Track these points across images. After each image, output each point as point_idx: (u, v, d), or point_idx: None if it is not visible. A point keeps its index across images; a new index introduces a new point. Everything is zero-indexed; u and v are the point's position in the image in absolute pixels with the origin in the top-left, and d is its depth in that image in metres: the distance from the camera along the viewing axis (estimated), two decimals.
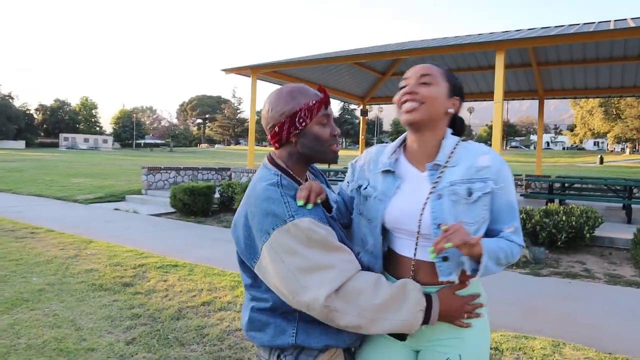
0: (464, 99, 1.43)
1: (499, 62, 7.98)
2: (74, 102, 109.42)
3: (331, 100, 1.40)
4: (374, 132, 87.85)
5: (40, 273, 4.70)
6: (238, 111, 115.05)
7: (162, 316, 3.62)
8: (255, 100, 11.31)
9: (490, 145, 8.59)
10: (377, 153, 1.47)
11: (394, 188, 1.36)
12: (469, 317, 1.31)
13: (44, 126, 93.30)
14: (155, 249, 5.99)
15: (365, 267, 1.35)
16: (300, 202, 1.23)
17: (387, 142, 1.51)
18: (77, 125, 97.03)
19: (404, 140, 1.44)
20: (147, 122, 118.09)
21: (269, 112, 1.32)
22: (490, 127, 48.33)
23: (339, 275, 1.18)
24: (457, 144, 1.35)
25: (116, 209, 9.78)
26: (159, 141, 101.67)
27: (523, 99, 14.05)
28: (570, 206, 6.53)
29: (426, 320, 1.23)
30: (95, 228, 7.41)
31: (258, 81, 11.37)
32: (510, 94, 13.45)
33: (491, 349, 3.12)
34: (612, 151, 79.15)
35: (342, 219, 1.45)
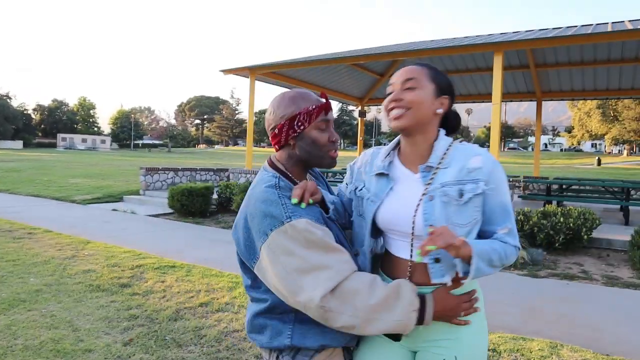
0: (454, 95, 1.41)
1: (497, 63, 8.00)
2: (72, 102, 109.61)
3: (330, 101, 1.41)
4: (372, 133, 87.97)
5: (37, 274, 4.68)
6: (236, 112, 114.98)
7: (160, 317, 3.61)
8: (254, 101, 11.31)
9: (488, 146, 8.61)
10: (372, 155, 1.48)
11: (387, 190, 1.37)
12: (467, 315, 1.31)
13: (42, 126, 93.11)
14: (153, 249, 5.98)
15: (364, 268, 1.38)
16: (295, 200, 1.26)
17: (385, 143, 1.52)
18: (75, 126, 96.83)
19: (398, 143, 1.45)
20: (145, 123, 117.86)
21: (271, 114, 1.37)
22: (488, 129, 48.42)
23: (334, 276, 1.19)
24: (450, 145, 1.35)
25: (114, 210, 9.76)
26: (157, 142, 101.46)
27: (521, 101, 14.08)
28: (568, 208, 6.54)
29: (420, 321, 1.24)
30: (92, 229, 7.39)
31: (256, 82, 11.37)
32: (508, 96, 13.49)
33: (489, 350, 3.12)
34: (609, 153, 79.32)
35: (340, 219, 1.47)
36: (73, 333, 3.26)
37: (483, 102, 13.97)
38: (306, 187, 1.29)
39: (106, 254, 5.59)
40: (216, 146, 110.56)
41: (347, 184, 1.55)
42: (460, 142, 1.39)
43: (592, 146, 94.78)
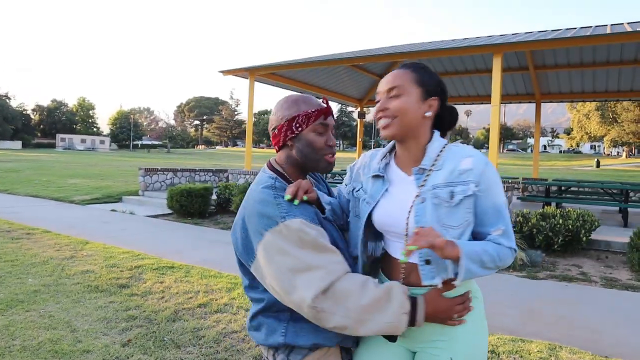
0: (446, 94, 1.39)
1: (496, 65, 8.01)
2: (71, 102, 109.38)
3: (331, 106, 1.45)
4: (372, 135, 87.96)
5: (36, 274, 4.68)
6: (236, 113, 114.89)
7: (158, 318, 3.60)
8: (253, 102, 11.31)
9: (487, 148, 8.61)
10: (371, 157, 1.50)
11: (382, 191, 1.38)
12: (460, 317, 1.30)
13: (41, 127, 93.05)
14: (151, 250, 5.98)
15: (357, 269, 1.40)
16: (288, 197, 1.28)
17: (384, 145, 1.53)
18: (74, 126, 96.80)
19: (395, 146, 1.46)
20: (145, 123, 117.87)
21: (274, 115, 1.43)
22: (488, 130, 48.48)
23: (326, 276, 1.21)
24: (444, 147, 1.36)
25: (113, 210, 9.75)
26: (156, 142, 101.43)
27: (520, 102, 14.08)
28: (567, 209, 6.55)
29: (412, 323, 1.25)
30: (91, 229, 7.38)
31: (256, 83, 11.38)
32: (507, 97, 13.49)
33: (488, 352, 3.12)
34: (608, 155, 79.46)
35: (338, 220, 1.49)
36: (71, 334, 3.25)
37: (482, 103, 13.99)
38: (300, 185, 1.32)
39: (105, 255, 5.58)
40: (217, 147, 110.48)
41: (346, 184, 1.57)
42: (459, 143, 1.39)
43: (591, 148, 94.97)
